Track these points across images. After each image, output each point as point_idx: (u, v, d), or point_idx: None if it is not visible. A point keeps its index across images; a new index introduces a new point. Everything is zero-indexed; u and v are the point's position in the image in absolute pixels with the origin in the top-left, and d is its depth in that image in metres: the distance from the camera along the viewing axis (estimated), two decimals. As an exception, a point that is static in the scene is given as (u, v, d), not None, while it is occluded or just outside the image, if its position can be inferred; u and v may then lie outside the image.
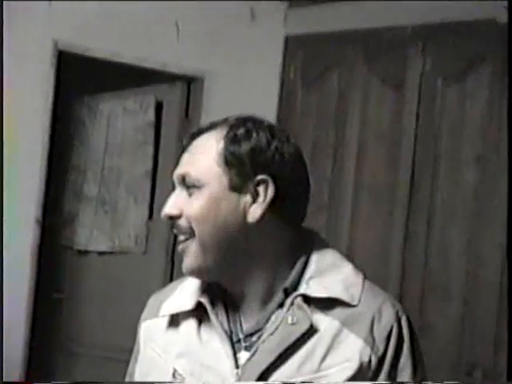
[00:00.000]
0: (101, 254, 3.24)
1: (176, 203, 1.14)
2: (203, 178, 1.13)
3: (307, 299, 1.13)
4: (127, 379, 1.29)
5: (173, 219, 1.14)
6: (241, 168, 1.12)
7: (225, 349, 1.14)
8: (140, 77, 3.02)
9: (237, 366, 1.13)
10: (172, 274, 3.03)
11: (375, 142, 2.74)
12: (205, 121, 2.88)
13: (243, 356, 1.14)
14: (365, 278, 1.19)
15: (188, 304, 1.18)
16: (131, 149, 3.16)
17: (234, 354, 1.14)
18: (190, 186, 1.13)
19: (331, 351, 1.12)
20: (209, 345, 1.15)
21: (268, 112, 2.82)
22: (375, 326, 1.13)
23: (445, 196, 2.61)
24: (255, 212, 1.13)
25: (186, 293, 1.20)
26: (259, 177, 1.12)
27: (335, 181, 2.82)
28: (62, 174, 3.23)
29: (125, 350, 1.42)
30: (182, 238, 1.14)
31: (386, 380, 1.13)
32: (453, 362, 2.57)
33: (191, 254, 1.13)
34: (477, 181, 2.55)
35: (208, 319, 1.16)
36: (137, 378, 1.24)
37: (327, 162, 2.83)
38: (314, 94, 2.84)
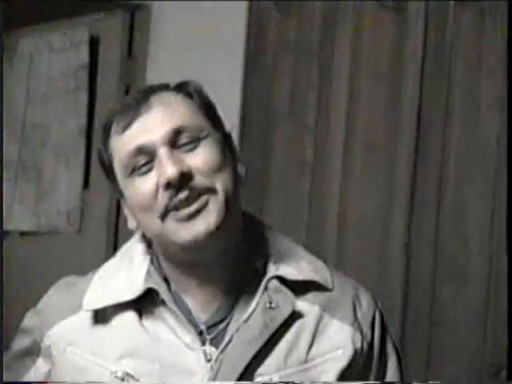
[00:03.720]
0: (23, 234, 3.24)
1: (179, 159, 1.18)
2: (204, 127, 1.21)
3: (282, 282, 1.23)
4: None
5: (183, 178, 1.16)
6: (217, 120, 1.26)
7: (187, 340, 1.20)
8: (70, 5, 3.01)
9: (208, 360, 1.19)
10: (115, 258, 3.03)
11: (371, 81, 2.68)
12: (153, 59, 2.87)
13: (211, 350, 1.20)
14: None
15: (130, 293, 1.23)
16: (60, 99, 3.15)
17: (204, 351, 1.20)
18: (189, 141, 1.19)
19: (316, 339, 1.22)
20: (161, 339, 1.21)
21: (234, 46, 2.74)
22: (358, 312, 1.27)
23: (460, 150, 2.54)
24: (241, 168, 1.26)
25: (119, 281, 1.26)
26: (227, 130, 1.28)
27: (321, 133, 2.74)
28: (-29, 133, 3.26)
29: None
30: (197, 198, 1.18)
31: (376, 368, 1.28)
32: (474, 360, 2.52)
33: (214, 209, 1.17)
34: (500, 130, 2.47)
35: (150, 311, 1.22)
36: None
37: (310, 109, 2.75)
38: (292, 21, 2.73)
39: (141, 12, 2.97)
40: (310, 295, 1.25)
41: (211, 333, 1.22)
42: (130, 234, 1.35)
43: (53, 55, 3.17)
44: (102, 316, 1.26)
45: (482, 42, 2.52)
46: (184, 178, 1.16)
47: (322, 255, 2.57)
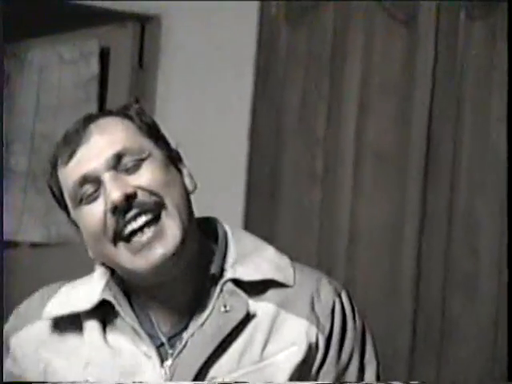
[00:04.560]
0: (33, 245, 3.22)
1: (122, 182, 1.22)
2: (145, 148, 1.25)
3: (238, 284, 1.26)
4: None
5: (129, 200, 1.21)
6: (161, 139, 1.29)
7: (144, 349, 1.24)
8: (80, 16, 3.00)
9: (163, 366, 1.24)
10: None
11: (381, 93, 2.72)
12: (163, 71, 2.91)
13: (167, 356, 1.25)
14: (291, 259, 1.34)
15: (86, 303, 1.27)
16: (70, 110, 3.14)
17: (161, 359, 1.24)
18: (131, 163, 1.23)
19: (271, 337, 1.24)
20: (121, 349, 1.26)
21: (244, 58, 2.78)
22: (316, 305, 1.27)
23: (471, 162, 2.59)
24: (191, 181, 1.28)
25: (79, 292, 1.30)
26: (173, 148, 1.31)
27: (331, 145, 2.78)
28: (-19, 145, 3.25)
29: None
30: (149, 216, 1.21)
31: (335, 359, 1.26)
32: (484, 373, 2.54)
33: (172, 228, 1.21)
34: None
35: (112, 321, 1.27)
36: None
37: (320, 120, 2.79)
38: (303, 34, 2.79)
39: (151, 23, 2.99)
40: (269, 294, 1.26)
41: (173, 342, 1.26)
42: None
43: (63, 66, 3.19)
44: (66, 323, 1.30)
45: (493, 55, 2.56)
46: (130, 200, 1.21)
47: (331, 268, 2.63)
